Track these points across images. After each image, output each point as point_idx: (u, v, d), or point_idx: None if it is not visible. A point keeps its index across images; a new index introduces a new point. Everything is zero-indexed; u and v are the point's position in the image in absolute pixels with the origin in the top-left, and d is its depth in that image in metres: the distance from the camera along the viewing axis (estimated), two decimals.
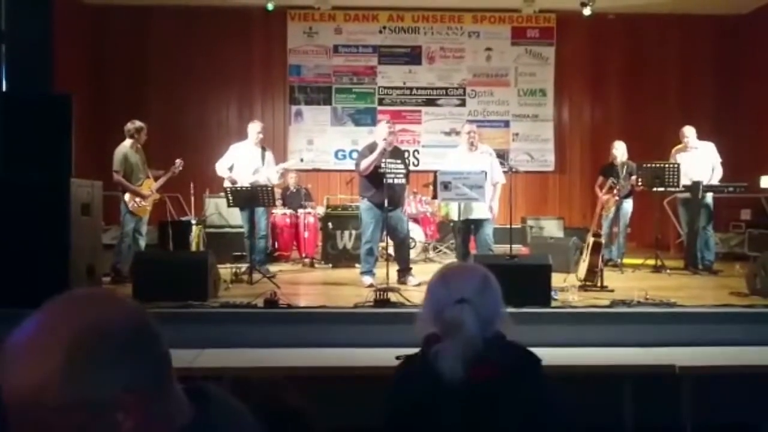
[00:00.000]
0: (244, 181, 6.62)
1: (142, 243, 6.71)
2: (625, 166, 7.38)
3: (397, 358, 1.78)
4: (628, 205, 7.46)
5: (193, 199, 7.89)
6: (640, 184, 7.00)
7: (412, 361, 1.73)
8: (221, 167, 6.81)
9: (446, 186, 5.46)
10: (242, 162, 6.76)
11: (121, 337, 0.83)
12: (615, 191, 7.06)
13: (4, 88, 4.64)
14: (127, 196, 6.50)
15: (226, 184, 6.66)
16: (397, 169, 6.08)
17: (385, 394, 1.70)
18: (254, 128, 6.92)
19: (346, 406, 3.78)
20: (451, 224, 7.01)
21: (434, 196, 5.85)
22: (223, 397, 0.97)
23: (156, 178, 6.79)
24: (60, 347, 0.79)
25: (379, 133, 6.19)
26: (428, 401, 1.57)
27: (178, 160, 6.90)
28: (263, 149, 6.93)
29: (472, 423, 1.56)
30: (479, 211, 6.00)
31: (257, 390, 2.39)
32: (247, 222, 6.62)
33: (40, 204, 4.26)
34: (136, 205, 6.53)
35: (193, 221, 7.65)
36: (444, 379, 1.55)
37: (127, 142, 6.60)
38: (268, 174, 6.83)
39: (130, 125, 6.64)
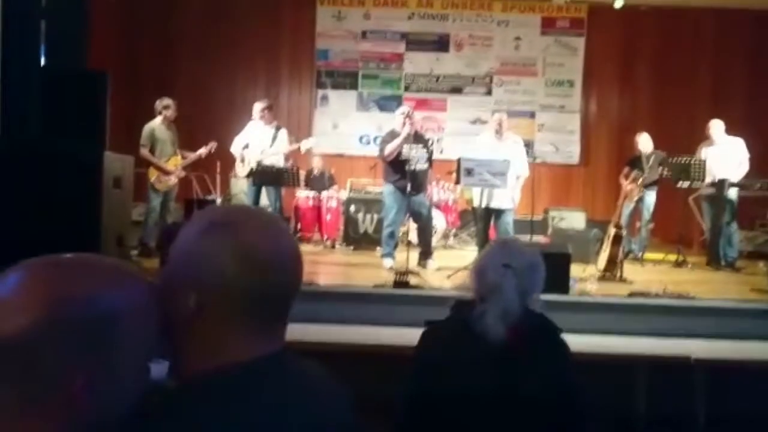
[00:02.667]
0: (252, 160, 6.70)
1: (169, 220, 6.88)
2: (653, 156, 7.31)
3: (426, 322, 1.84)
4: (650, 197, 7.36)
5: (219, 178, 8.02)
6: (666, 173, 6.94)
7: (442, 324, 1.79)
8: (236, 144, 6.85)
9: (469, 172, 5.49)
10: (253, 141, 6.81)
11: (78, 319, 0.78)
12: (639, 181, 7.03)
13: (42, 63, 4.76)
14: (150, 171, 6.69)
15: (237, 164, 6.79)
16: (419, 154, 6.13)
17: (414, 354, 1.75)
18: (256, 107, 6.88)
19: (362, 382, 3.87)
20: (472, 211, 7.03)
21: (457, 182, 5.89)
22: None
23: (185, 158, 6.95)
24: (33, 309, 0.77)
25: (397, 122, 6.25)
26: (463, 361, 1.62)
27: (212, 142, 7.03)
28: (277, 129, 6.89)
29: (504, 384, 1.60)
30: (501, 200, 6.02)
31: None
32: (252, 198, 6.73)
33: (75, 174, 4.38)
34: (158, 179, 6.71)
35: (218, 200, 7.79)
36: (485, 340, 1.59)
37: (158, 119, 6.80)
38: (274, 154, 6.79)
39: (158, 102, 6.84)
